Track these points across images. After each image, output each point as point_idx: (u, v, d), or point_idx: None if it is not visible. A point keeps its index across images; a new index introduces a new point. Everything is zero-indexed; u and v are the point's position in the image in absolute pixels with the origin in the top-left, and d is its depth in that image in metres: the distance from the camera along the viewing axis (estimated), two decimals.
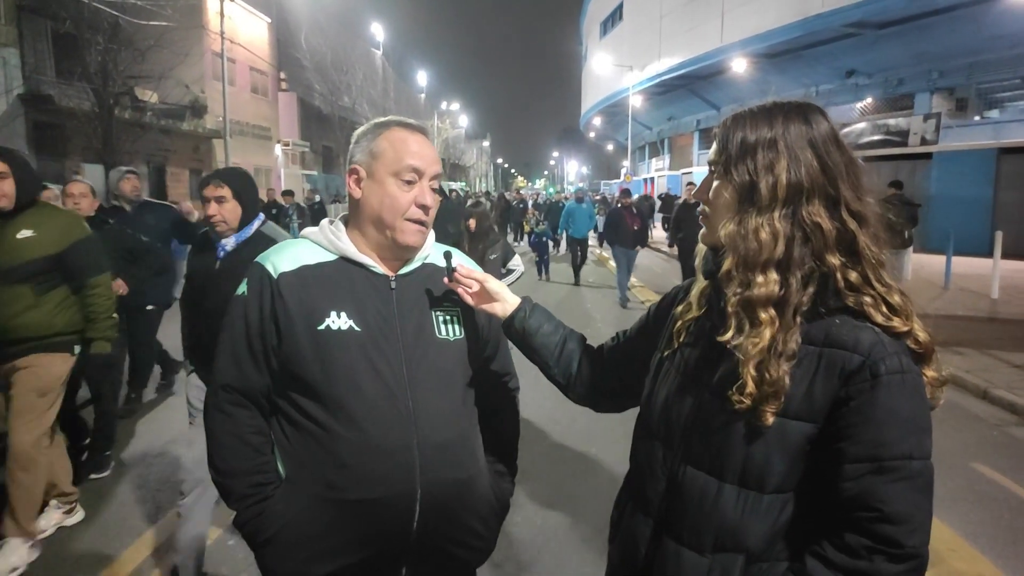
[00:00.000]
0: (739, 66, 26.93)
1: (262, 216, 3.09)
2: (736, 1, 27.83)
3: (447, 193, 12.00)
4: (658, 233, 25.79)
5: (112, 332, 3.71)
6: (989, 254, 11.67)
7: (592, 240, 17.58)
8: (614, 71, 41.13)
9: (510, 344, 1.73)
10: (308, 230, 1.63)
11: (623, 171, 42.83)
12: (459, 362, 1.61)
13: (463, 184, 60.41)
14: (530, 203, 27.93)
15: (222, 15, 21.43)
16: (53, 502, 3.72)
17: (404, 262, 1.60)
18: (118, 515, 3.97)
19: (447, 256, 1.61)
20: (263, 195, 17.81)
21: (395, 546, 1.49)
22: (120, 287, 4.70)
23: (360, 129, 1.61)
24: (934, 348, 1.14)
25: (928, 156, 21.01)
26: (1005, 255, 11.74)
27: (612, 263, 17.61)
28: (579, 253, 14.69)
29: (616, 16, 45.45)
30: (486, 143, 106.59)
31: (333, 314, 1.48)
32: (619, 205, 12.54)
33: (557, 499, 4.22)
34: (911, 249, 11.64)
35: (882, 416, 1.06)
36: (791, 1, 23.59)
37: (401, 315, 1.54)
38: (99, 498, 4.17)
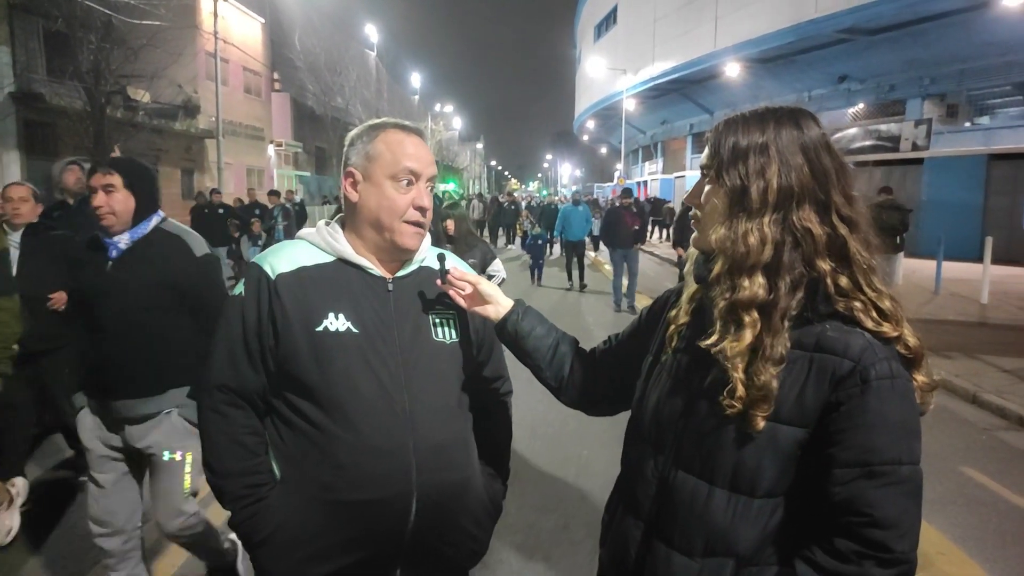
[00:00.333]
0: (732, 71, 27.03)
1: (162, 214, 2.72)
2: (730, 6, 27.92)
3: (440, 196, 11.98)
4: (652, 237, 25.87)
5: (4, 367, 2.98)
6: (979, 259, 11.75)
7: (589, 244, 17.50)
8: (608, 74, 41.21)
9: (504, 347, 1.73)
10: (305, 231, 1.62)
11: (616, 174, 42.92)
12: (455, 364, 1.61)
13: (456, 186, 60.35)
14: (523, 205, 27.90)
15: (215, 15, 21.37)
16: None
17: (401, 264, 1.60)
18: None
19: (440, 258, 1.61)
20: (244, 195, 17.53)
21: (390, 547, 1.50)
22: (59, 301, 3.94)
23: (355, 131, 1.60)
24: (924, 353, 1.15)
25: (919, 162, 21.14)
26: (995, 260, 11.81)
27: (608, 267, 17.63)
28: (574, 257, 14.33)
29: (610, 20, 45.54)
30: (480, 145, 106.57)
31: (331, 315, 1.48)
32: (618, 205, 12.21)
33: (548, 502, 4.22)
34: (902, 254, 11.69)
35: (872, 421, 1.06)
36: (784, 6, 23.70)
37: (398, 317, 1.54)
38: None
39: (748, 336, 1.13)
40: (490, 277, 5.35)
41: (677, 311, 1.34)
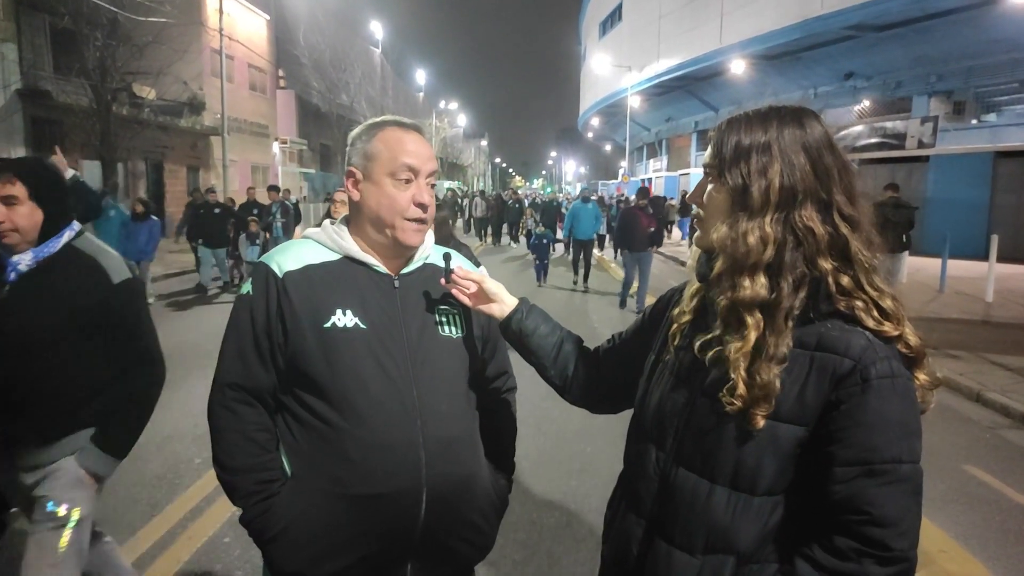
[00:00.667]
0: (738, 68, 26.96)
1: (76, 226, 2.32)
2: (735, 3, 27.84)
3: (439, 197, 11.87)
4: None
5: None
6: (985, 257, 11.70)
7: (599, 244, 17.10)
8: (613, 71, 41.13)
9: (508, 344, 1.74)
10: (311, 230, 1.64)
11: (621, 172, 42.86)
12: (461, 360, 1.63)
13: (459, 183, 60.34)
14: (527, 203, 27.65)
15: (221, 12, 21.39)
16: None
17: (406, 261, 1.62)
18: (113, 512, 3.97)
19: (446, 258, 1.62)
20: (242, 194, 16.98)
21: (401, 541, 1.51)
22: None
23: (355, 131, 1.62)
24: (925, 352, 1.15)
25: (925, 159, 21.05)
26: (1000, 259, 11.77)
27: (614, 266, 17.54)
28: (581, 255, 13.78)
29: (615, 16, 45.46)
30: (484, 142, 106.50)
31: (339, 312, 1.50)
32: (633, 205, 11.59)
33: (552, 498, 4.23)
34: (907, 252, 11.65)
35: (872, 420, 1.07)
36: (790, 3, 23.63)
37: (405, 313, 1.56)
38: None
39: (752, 337, 1.13)
40: None
41: (680, 309, 1.35)
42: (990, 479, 4.71)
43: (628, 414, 1.48)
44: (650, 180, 45.67)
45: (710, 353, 1.19)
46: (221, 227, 12.75)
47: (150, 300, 11.04)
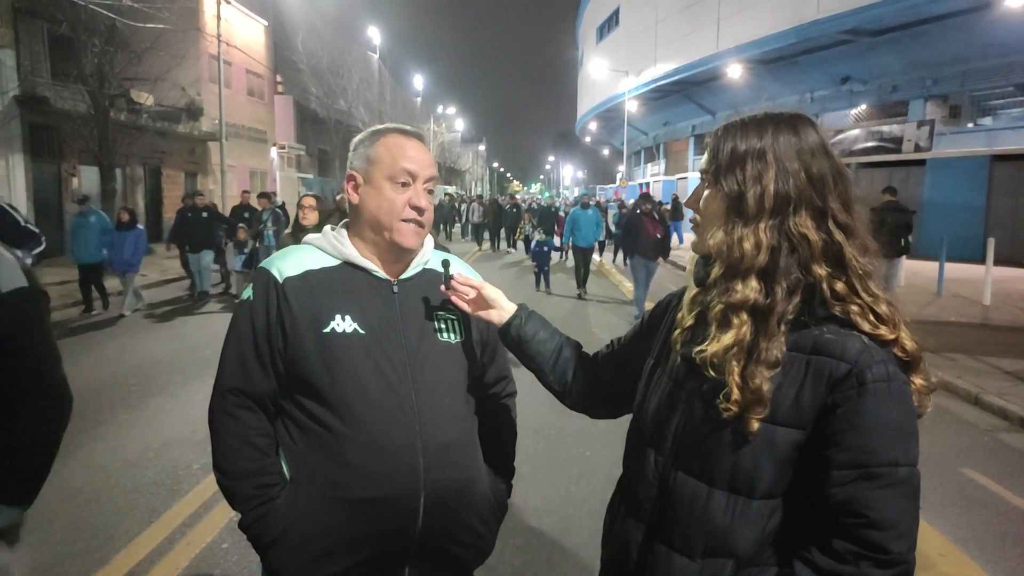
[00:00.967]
0: (734, 72, 27.03)
1: None
2: (732, 8, 27.92)
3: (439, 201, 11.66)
4: None
5: None
6: (982, 260, 11.74)
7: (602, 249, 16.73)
8: (610, 76, 41.23)
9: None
10: (311, 236, 1.66)
11: (618, 176, 42.89)
12: (460, 365, 1.65)
13: (456, 188, 60.36)
14: (524, 208, 27.49)
15: (219, 18, 21.44)
16: None
17: (405, 266, 1.63)
18: (111, 519, 3.97)
19: (445, 264, 1.64)
20: (232, 199, 16.20)
21: (399, 545, 1.52)
22: None
23: (358, 137, 1.65)
24: (921, 356, 1.16)
25: (922, 163, 21.12)
26: (997, 262, 11.81)
27: (614, 272, 17.48)
28: (582, 262, 13.34)
29: (612, 21, 45.55)
30: (482, 147, 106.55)
31: (338, 317, 1.52)
32: (638, 211, 11.10)
33: (550, 503, 4.24)
34: (905, 256, 11.67)
35: (869, 423, 1.07)
36: (786, 8, 23.70)
37: (404, 318, 1.58)
38: (92, 502, 4.17)
39: (730, 338, 1.15)
40: None
41: (679, 314, 1.36)
42: (988, 482, 4.72)
43: (626, 419, 1.49)
44: (648, 184, 45.73)
45: (706, 358, 1.20)
46: (207, 232, 12.49)
47: (138, 308, 10.92)
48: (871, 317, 1.13)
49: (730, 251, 1.17)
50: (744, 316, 1.15)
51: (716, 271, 1.20)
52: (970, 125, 20.96)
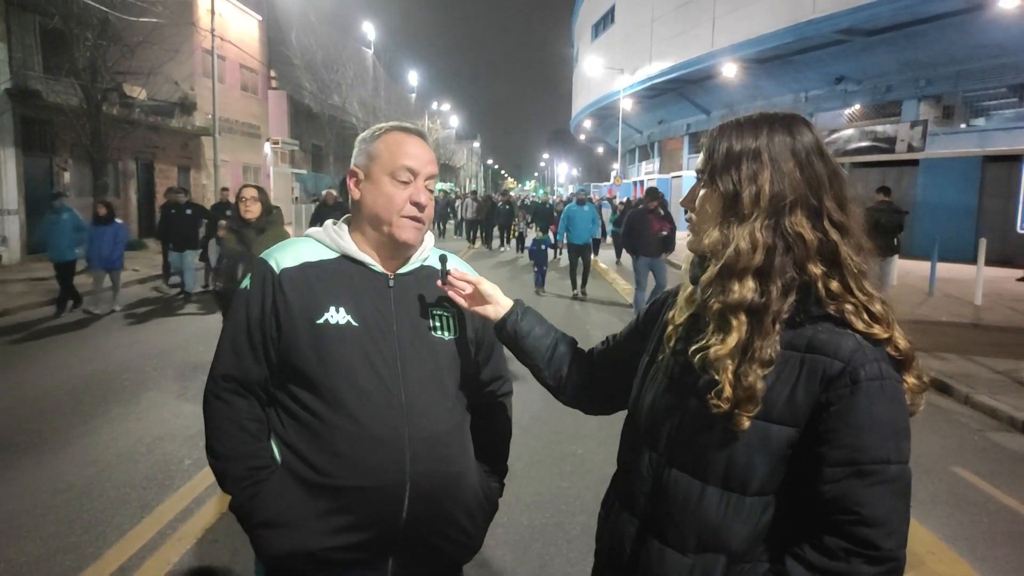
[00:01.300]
0: (730, 71, 27.07)
1: None
2: (727, 6, 27.95)
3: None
4: None
5: None
6: (973, 261, 11.80)
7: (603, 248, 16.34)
8: (605, 74, 41.22)
9: (504, 348, 1.76)
10: (312, 229, 1.69)
11: (613, 174, 42.95)
12: (452, 360, 1.66)
13: (451, 184, 60.30)
14: (518, 204, 27.35)
15: (213, 12, 21.31)
16: None
17: (403, 262, 1.65)
18: (103, 514, 3.96)
19: (442, 259, 1.66)
20: (213, 196, 15.52)
21: (384, 534, 1.54)
22: None
23: (361, 134, 1.68)
24: (914, 355, 1.17)
25: (915, 163, 21.22)
26: (989, 262, 11.87)
27: (613, 274, 17.40)
28: (578, 260, 12.97)
29: (608, 19, 45.54)
30: (476, 144, 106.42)
31: (332, 309, 1.54)
32: (642, 207, 10.75)
33: (544, 499, 4.25)
34: (897, 256, 11.74)
35: (861, 421, 1.08)
36: (782, 7, 23.74)
37: (398, 313, 1.60)
38: (84, 496, 4.16)
39: (733, 340, 1.15)
40: None
41: (674, 312, 1.37)
42: (978, 481, 4.75)
43: (619, 416, 1.50)
44: (642, 182, 45.79)
45: (701, 356, 1.21)
46: (191, 229, 12.18)
47: (116, 309, 10.53)
48: (865, 316, 1.14)
49: (725, 250, 1.18)
50: (742, 316, 1.16)
51: (712, 270, 1.21)
52: (963, 126, 21.05)
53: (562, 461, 4.90)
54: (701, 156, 1.28)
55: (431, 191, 1.64)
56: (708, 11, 29.63)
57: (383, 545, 1.55)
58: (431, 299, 1.65)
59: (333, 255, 1.61)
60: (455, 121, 76.02)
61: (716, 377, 1.16)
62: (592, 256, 14.56)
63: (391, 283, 1.61)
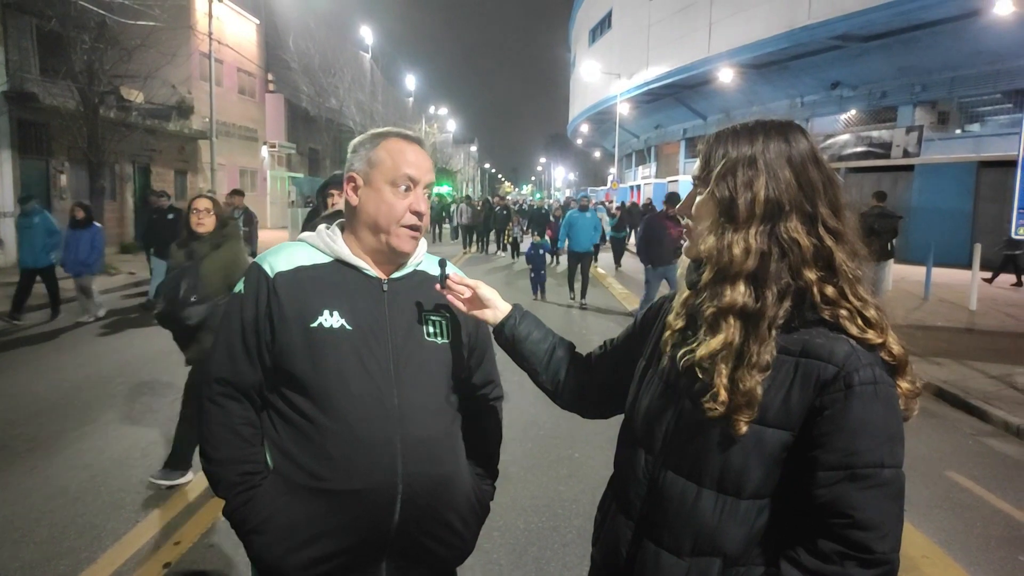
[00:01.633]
0: (726, 76, 27.15)
1: None
2: (724, 12, 28.06)
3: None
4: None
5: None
6: (968, 266, 11.85)
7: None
8: (602, 78, 41.35)
9: (497, 353, 1.77)
10: (306, 234, 1.69)
11: (610, 178, 43.00)
12: (445, 364, 1.67)
13: (450, 188, 60.28)
14: (513, 209, 27.17)
15: (210, 16, 21.32)
16: None
17: (397, 267, 1.65)
18: (98, 518, 3.95)
19: (441, 263, 1.67)
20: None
21: (377, 537, 1.54)
22: None
23: (358, 139, 1.67)
24: (908, 360, 1.18)
25: (910, 168, 21.29)
26: (983, 267, 11.91)
27: (611, 279, 17.32)
28: (578, 268, 12.58)
29: (605, 24, 45.67)
30: (473, 148, 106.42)
31: (326, 312, 1.54)
32: (659, 213, 10.13)
33: (540, 503, 4.25)
34: (892, 260, 11.77)
35: (855, 425, 1.09)
36: (778, 13, 23.85)
37: (392, 317, 1.60)
38: (79, 501, 4.15)
39: (718, 342, 1.17)
40: None
41: (671, 316, 1.38)
42: (972, 485, 4.76)
43: (615, 421, 1.51)
44: (639, 187, 45.86)
45: (688, 357, 1.22)
46: (173, 235, 11.69)
47: (100, 314, 10.18)
48: (859, 321, 1.15)
49: (720, 255, 1.19)
50: (732, 320, 1.17)
51: (707, 275, 1.22)
52: (958, 131, 21.14)
53: (559, 465, 4.90)
54: (698, 163, 1.30)
55: (429, 197, 1.65)
56: (705, 17, 29.75)
57: (376, 548, 1.56)
58: (425, 304, 1.66)
59: (327, 259, 1.62)
60: (452, 125, 76.08)
61: (709, 380, 1.17)
62: (592, 262, 14.19)
63: (385, 287, 1.62)
